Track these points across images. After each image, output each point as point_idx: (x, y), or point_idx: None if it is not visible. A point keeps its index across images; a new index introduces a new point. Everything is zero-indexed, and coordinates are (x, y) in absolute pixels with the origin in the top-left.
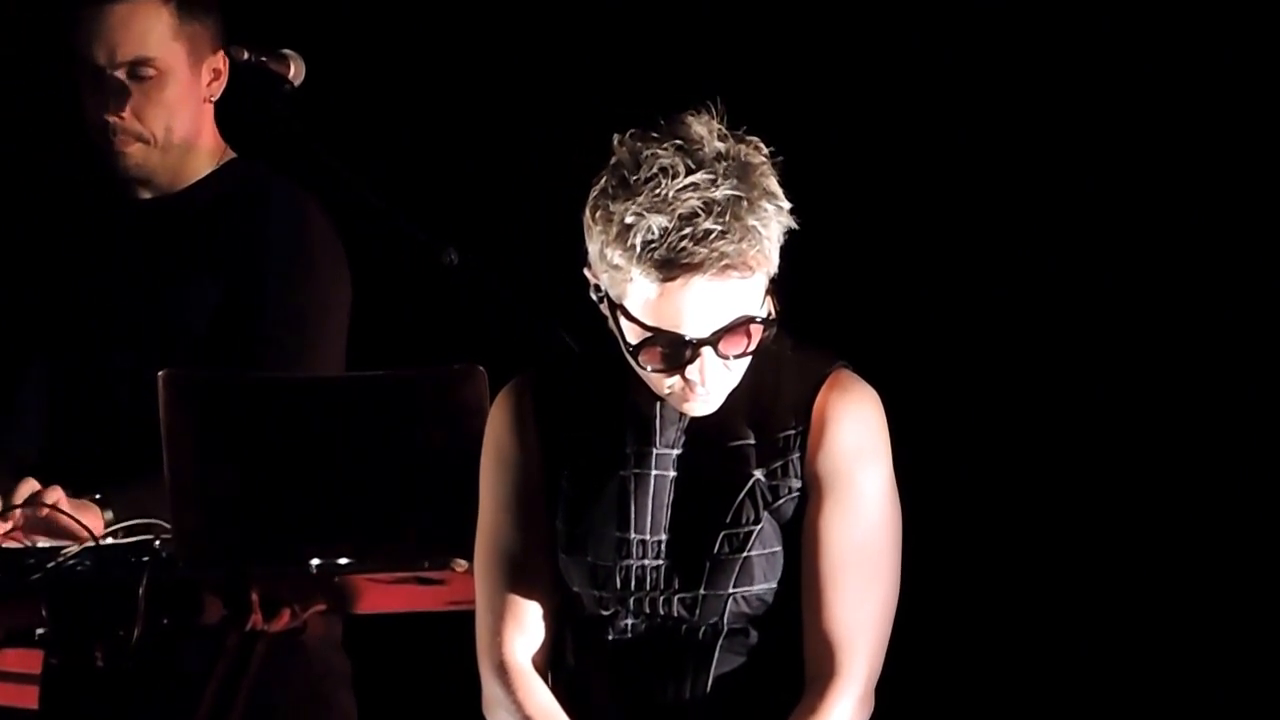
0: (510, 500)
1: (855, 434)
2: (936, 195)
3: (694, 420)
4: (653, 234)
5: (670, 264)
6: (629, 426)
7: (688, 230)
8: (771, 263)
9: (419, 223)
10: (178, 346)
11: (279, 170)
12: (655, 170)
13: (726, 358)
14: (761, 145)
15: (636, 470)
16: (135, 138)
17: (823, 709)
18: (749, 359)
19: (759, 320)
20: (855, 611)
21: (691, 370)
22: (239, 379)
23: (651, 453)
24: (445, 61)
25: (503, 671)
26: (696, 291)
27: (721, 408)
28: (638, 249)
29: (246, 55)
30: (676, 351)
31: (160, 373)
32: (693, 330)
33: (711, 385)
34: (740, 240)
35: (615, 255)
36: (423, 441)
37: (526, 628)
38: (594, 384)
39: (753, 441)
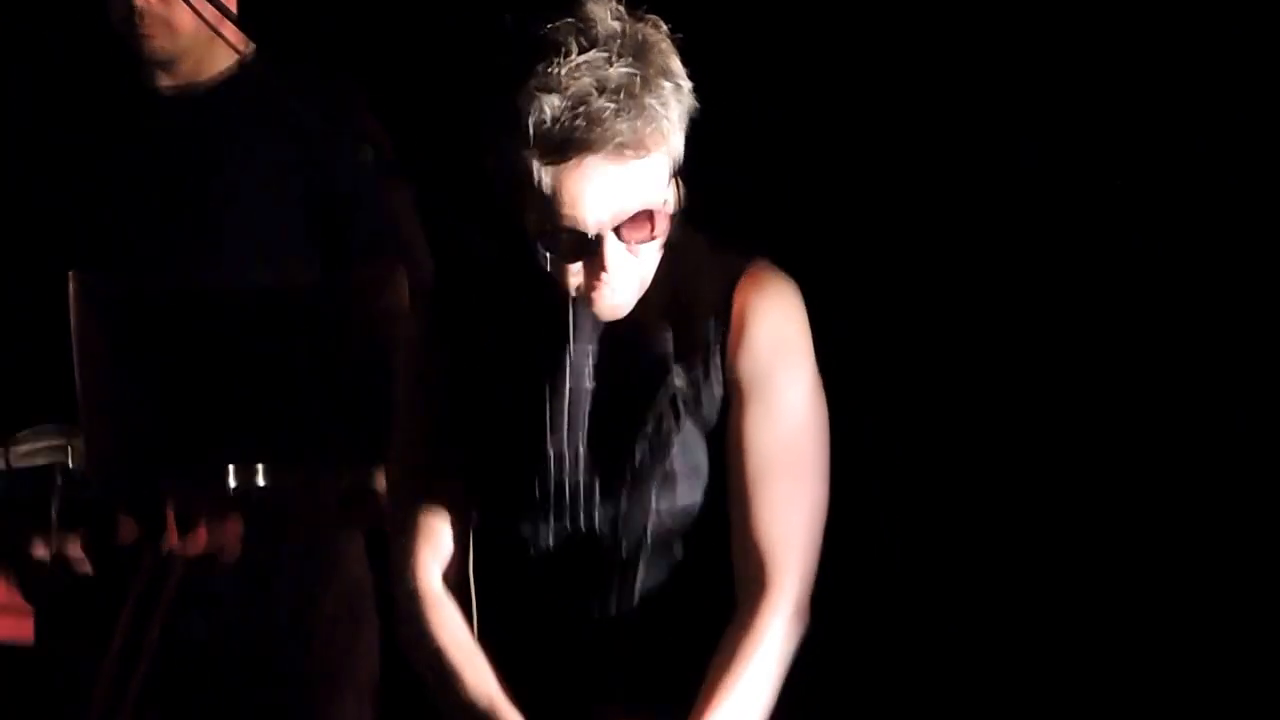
0: (422, 419)
1: (775, 330)
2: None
3: (610, 325)
4: (544, 115)
5: (564, 145)
6: (542, 334)
7: (581, 110)
8: (672, 145)
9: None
10: (255, 252)
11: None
12: (547, 50)
13: (629, 243)
14: (661, 24)
15: (551, 379)
16: (163, 24)
17: (757, 625)
18: (657, 250)
19: (662, 204)
20: (784, 518)
21: (595, 260)
22: (153, 290)
23: (566, 360)
24: None
25: (416, 596)
26: (593, 174)
27: (638, 310)
28: (530, 131)
29: None
30: (578, 240)
31: (71, 274)
32: (593, 216)
33: (616, 275)
34: (635, 119)
35: (508, 142)
36: (342, 347)
37: (440, 549)
38: (507, 291)
39: (671, 345)
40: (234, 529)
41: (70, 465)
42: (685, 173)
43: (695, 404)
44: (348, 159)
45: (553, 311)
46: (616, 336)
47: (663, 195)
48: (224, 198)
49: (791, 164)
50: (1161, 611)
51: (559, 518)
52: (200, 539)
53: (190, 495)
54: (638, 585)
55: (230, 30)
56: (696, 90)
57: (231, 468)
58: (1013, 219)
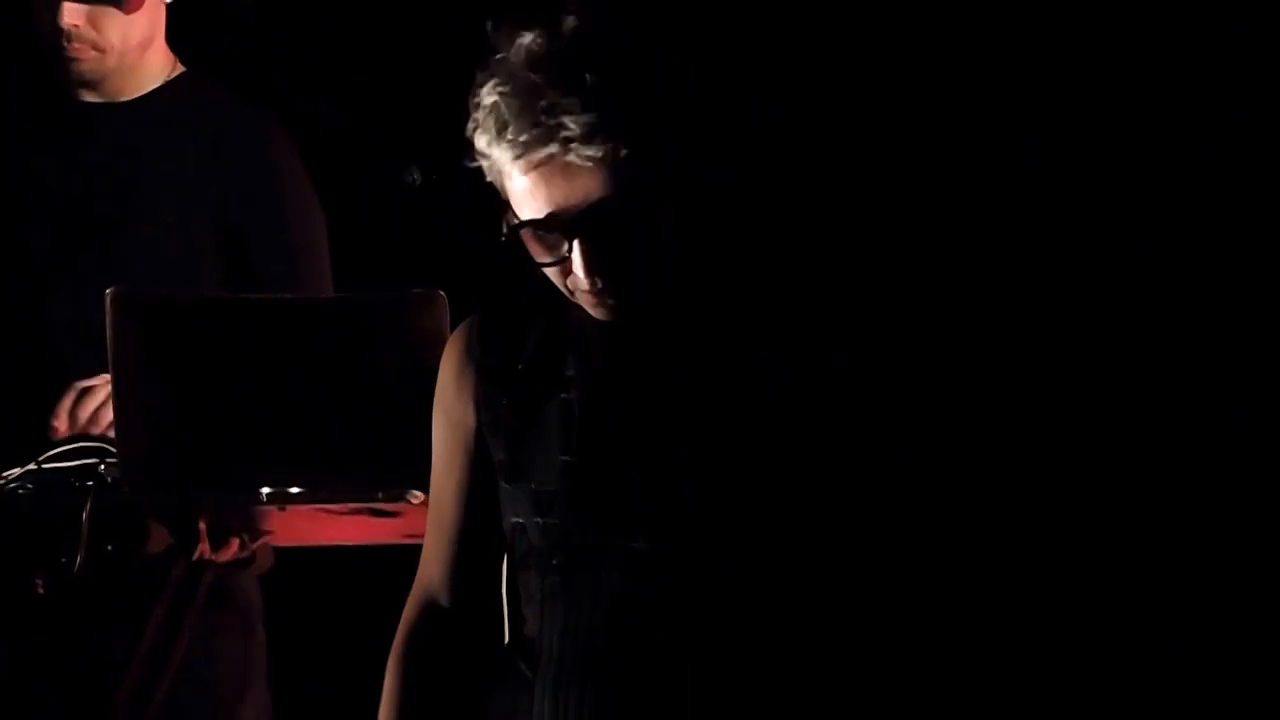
0: (450, 455)
1: (823, 356)
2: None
3: (640, 337)
4: (504, 115)
5: (523, 143)
6: (570, 348)
7: (538, 104)
8: (645, 143)
9: (381, 140)
10: (153, 274)
11: (236, 87)
12: (517, 52)
13: (603, 239)
14: (641, 28)
15: (578, 391)
16: (91, 46)
17: None
18: (649, 248)
19: (640, 202)
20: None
21: (576, 260)
22: (189, 299)
23: (593, 371)
24: None
25: (403, 631)
26: (558, 171)
27: (669, 323)
28: (492, 129)
29: None
30: (552, 239)
31: (108, 291)
32: (562, 213)
33: (599, 273)
34: (594, 114)
35: (482, 142)
36: (380, 367)
37: (449, 585)
38: (540, 310)
39: (700, 353)
40: (266, 539)
41: (102, 471)
42: (684, 177)
43: (724, 409)
44: (255, 187)
45: (583, 325)
46: (644, 344)
47: (639, 193)
48: (134, 215)
49: (789, 166)
50: (1160, 612)
51: (583, 527)
52: (232, 549)
53: (223, 505)
54: (665, 588)
55: (158, 51)
56: (695, 93)
57: (266, 489)
58: (1010, 220)
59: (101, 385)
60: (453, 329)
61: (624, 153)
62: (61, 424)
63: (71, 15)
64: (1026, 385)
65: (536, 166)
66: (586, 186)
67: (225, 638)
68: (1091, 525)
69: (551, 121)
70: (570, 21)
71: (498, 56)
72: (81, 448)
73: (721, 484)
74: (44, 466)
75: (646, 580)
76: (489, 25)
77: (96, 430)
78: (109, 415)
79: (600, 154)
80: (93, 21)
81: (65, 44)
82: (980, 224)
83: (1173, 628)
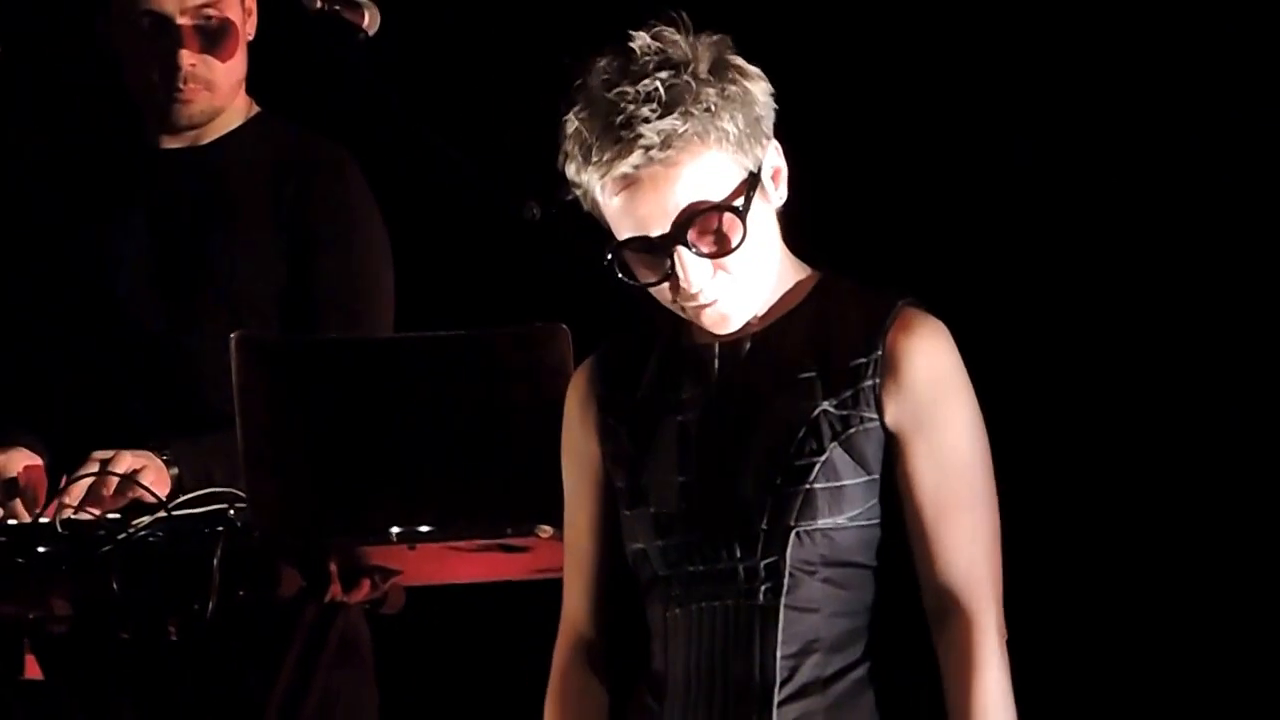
0: (580, 492)
1: (930, 371)
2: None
3: (754, 355)
4: (585, 137)
5: (608, 159)
6: (686, 371)
7: (616, 119)
8: (728, 145)
9: (499, 176)
10: (239, 315)
11: (338, 124)
12: (594, 77)
13: (704, 255)
14: (724, 39)
15: (694, 413)
16: (204, 85)
17: (974, 654)
18: (749, 258)
19: (728, 208)
20: (969, 551)
21: (679, 271)
22: (315, 342)
23: (710, 393)
24: (523, 8)
25: (556, 672)
26: (645, 184)
27: (783, 339)
28: (578, 156)
29: (320, 3)
30: (653, 257)
31: (233, 335)
32: (655, 223)
33: (699, 285)
34: (672, 121)
35: (571, 171)
36: (505, 403)
37: (593, 621)
38: (657, 338)
39: (818, 373)
40: (397, 579)
41: (232, 516)
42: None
43: (844, 428)
44: (328, 225)
45: (699, 348)
46: (762, 364)
47: (730, 199)
48: (212, 259)
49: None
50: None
51: (700, 550)
52: (364, 590)
53: (353, 546)
54: (781, 612)
55: (243, 91)
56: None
57: (395, 528)
58: (1005, 219)
59: (118, 458)
60: (577, 362)
61: (706, 155)
62: (72, 499)
63: (191, 55)
64: (1022, 384)
65: (625, 182)
66: (674, 193)
67: (346, 674)
68: (1087, 524)
69: (630, 135)
70: (640, 39)
71: (576, 84)
72: (211, 493)
73: (828, 498)
74: (174, 514)
75: (763, 602)
76: (566, 59)
77: (113, 506)
78: (134, 490)
79: (681, 159)
80: (205, 61)
81: (181, 86)
82: (975, 223)
83: (1171, 627)
